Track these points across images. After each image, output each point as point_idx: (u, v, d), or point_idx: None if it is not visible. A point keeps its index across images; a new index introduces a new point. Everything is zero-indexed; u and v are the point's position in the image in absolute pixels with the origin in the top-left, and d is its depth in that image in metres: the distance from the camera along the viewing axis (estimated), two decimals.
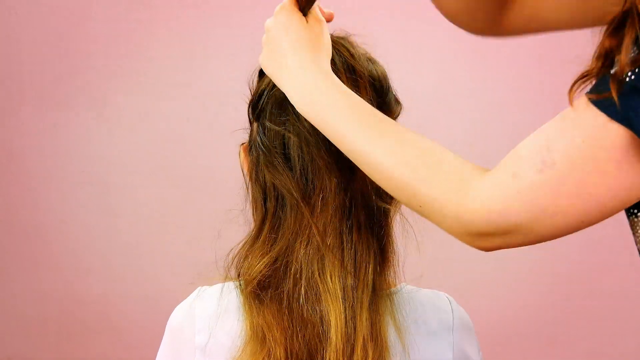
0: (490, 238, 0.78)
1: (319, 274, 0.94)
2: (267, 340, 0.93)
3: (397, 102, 1.04)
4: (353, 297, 0.94)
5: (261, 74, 1.03)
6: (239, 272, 0.98)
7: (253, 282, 0.95)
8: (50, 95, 2.32)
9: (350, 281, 0.94)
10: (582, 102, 0.74)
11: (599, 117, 0.73)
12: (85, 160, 2.32)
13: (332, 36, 1.04)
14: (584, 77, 0.75)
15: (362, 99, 0.89)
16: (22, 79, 2.33)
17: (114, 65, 2.30)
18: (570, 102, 0.75)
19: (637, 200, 0.75)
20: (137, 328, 2.31)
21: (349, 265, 0.95)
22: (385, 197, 0.98)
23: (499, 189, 0.76)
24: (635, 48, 0.72)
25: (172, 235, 2.30)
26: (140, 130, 2.30)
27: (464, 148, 2.14)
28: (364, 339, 0.93)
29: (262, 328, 0.94)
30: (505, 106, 2.24)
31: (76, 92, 2.32)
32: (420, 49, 2.21)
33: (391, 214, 1.00)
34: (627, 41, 0.72)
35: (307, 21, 0.96)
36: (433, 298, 1.02)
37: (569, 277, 2.23)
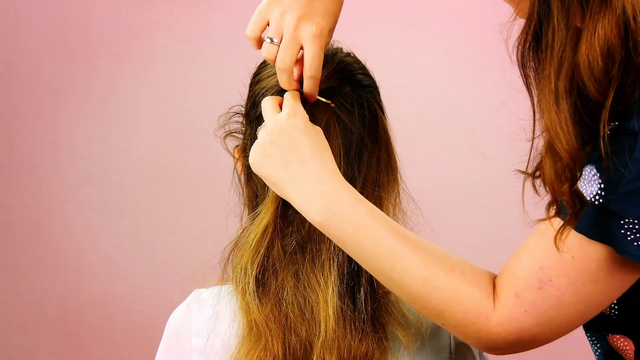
0: (509, 351, 0.88)
1: (316, 270, 0.94)
2: (264, 335, 0.93)
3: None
4: (352, 294, 0.94)
5: (254, 77, 1.04)
6: (234, 270, 0.98)
7: (248, 279, 0.95)
8: (51, 95, 2.32)
9: (348, 278, 0.94)
10: (557, 222, 0.81)
11: (579, 237, 0.81)
12: (85, 160, 2.32)
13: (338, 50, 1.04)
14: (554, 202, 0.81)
15: (376, 209, 0.91)
16: (23, 79, 2.33)
17: (115, 65, 2.30)
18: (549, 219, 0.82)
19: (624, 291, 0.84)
20: (136, 328, 2.31)
21: (346, 262, 0.94)
22: (381, 191, 0.98)
23: (508, 313, 0.85)
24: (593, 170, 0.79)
25: (172, 236, 2.30)
26: (141, 131, 2.30)
27: (464, 148, 2.14)
28: (366, 335, 0.93)
29: (258, 324, 0.94)
30: (505, 106, 2.23)
31: (76, 92, 2.32)
32: (420, 49, 2.21)
33: (389, 206, 1.00)
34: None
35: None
36: None
37: None
